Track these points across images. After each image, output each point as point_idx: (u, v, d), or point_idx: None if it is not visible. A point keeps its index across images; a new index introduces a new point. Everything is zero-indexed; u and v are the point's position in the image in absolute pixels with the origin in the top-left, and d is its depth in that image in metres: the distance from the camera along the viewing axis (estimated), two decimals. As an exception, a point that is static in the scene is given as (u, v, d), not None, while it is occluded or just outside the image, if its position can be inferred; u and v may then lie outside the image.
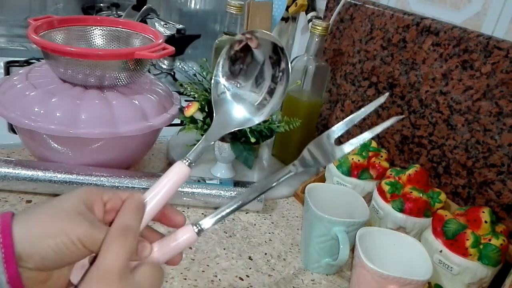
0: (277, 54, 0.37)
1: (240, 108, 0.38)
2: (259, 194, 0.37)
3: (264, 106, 0.38)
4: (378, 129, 0.38)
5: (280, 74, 0.37)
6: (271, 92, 0.38)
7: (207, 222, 0.35)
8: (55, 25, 0.66)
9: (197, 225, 0.35)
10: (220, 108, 0.39)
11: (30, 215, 0.31)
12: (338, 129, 0.39)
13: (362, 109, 0.39)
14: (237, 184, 0.66)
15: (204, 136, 0.37)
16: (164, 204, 0.35)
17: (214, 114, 0.40)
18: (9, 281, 0.28)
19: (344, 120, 0.39)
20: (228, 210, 0.35)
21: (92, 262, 0.32)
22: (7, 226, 0.29)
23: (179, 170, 0.35)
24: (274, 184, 0.37)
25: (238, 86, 0.39)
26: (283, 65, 0.37)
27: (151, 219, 0.35)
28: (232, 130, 0.39)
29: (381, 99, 0.39)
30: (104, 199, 0.34)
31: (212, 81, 0.39)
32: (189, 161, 0.36)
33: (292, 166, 0.38)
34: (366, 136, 0.38)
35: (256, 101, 0.38)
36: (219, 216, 0.35)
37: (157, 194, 0.35)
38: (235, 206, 0.36)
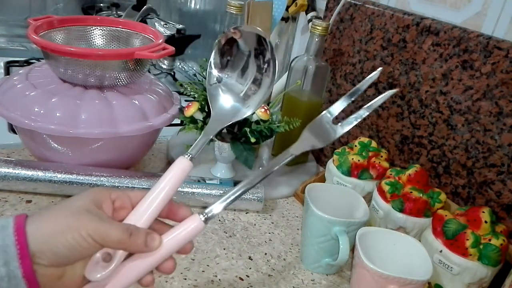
0: (262, 45, 0.38)
1: (229, 98, 0.39)
2: (262, 179, 0.38)
3: (250, 97, 0.39)
4: (373, 105, 0.39)
5: (266, 65, 0.38)
6: (257, 83, 0.39)
7: (215, 208, 0.36)
8: (55, 25, 0.66)
9: (204, 214, 0.36)
10: (214, 101, 0.40)
11: (42, 216, 0.33)
12: (334, 109, 0.40)
13: (357, 86, 0.40)
14: (237, 184, 0.65)
15: (203, 131, 0.38)
16: (170, 199, 0.37)
17: (211, 109, 0.41)
18: (24, 275, 0.30)
19: (340, 99, 0.39)
20: (232, 197, 0.37)
21: (105, 258, 0.34)
22: (21, 226, 0.31)
23: (181, 165, 0.37)
24: (276, 168, 0.38)
25: (227, 76, 0.39)
26: (268, 55, 0.38)
27: (159, 215, 0.36)
28: (229, 124, 0.40)
29: (375, 75, 0.40)
30: (112, 197, 0.36)
31: (206, 73, 0.40)
32: (190, 155, 0.37)
33: (293, 149, 0.39)
34: (362, 112, 0.39)
35: (242, 91, 0.39)
36: (225, 203, 0.37)
37: (163, 188, 0.36)
38: (238, 192, 0.37)
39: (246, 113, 0.40)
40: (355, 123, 0.39)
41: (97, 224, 0.32)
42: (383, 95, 0.39)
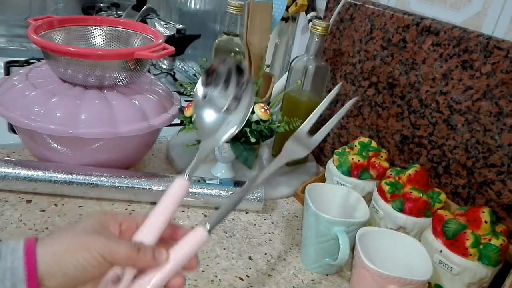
0: (240, 70, 0.41)
1: (212, 112, 0.41)
2: (248, 189, 0.40)
3: (231, 113, 0.41)
4: (340, 114, 0.44)
5: (244, 84, 0.41)
6: (238, 100, 0.41)
7: (213, 221, 0.37)
8: (55, 25, 0.66)
9: (206, 225, 0.37)
10: (201, 122, 0.41)
11: (51, 238, 0.33)
12: (307, 124, 0.45)
13: (322, 102, 0.45)
14: (237, 184, 0.66)
15: (197, 154, 0.40)
16: (171, 220, 0.37)
17: (198, 132, 0.42)
18: None
19: (310, 116, 0.44)
20: (228, 209, 0.38)
21: (114, 280, 0.34)
22: (31, 248, 0.32)
23: (180, 184, 0.38)
24: (260, 180, 0.40)
25: (211, 92, 0.42)
26: (245, 77, 0.41)
27: (162, 237, 0.37)
28: (220, 144, 0.41)
29: (335, 90, 0.46)
30: (119, 220, 0.37)
31: (193, 93, 0.42)
32: (187, 174, 0.39)
33: (276, 161, 0.42)
34: (332, 123, 0.44)
35: (224, 106, 0.42)
36: (224, 214, 0.38)
37: (165, 207, 0.37)
38: (233, 205, 0.38)
39: (231, 130, 0.41)
40: (326, 132, 0.44)
41: (105, 242, 0.33)
42: (347, 104, 0.45)
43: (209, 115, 0.41)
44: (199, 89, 0.41)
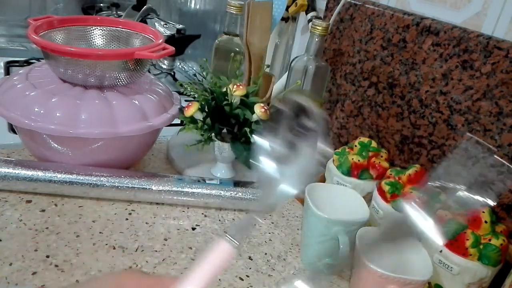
0: (306, 113, 0.35)
1: (274, 164, 0.35)
2: None
3: (288, 165, 0.35)
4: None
5: (307, 133, 0.35)
6: (294, 149, 0.35)
7: None
8: (55, 25, 0.66)
9: None
10: (262, 174, 0.35)
11: None
12: None
13: None
14: (237, 184, 0.66)
15: (250, 215, 0.34)
16: None
17: (260, 184, 0.36)
18: None
19: None
20: None
21: None
22: None
23: (223, 250, 0.32)
24: None
25: (274, 146, 0.35)
26: (310, 124, 0.34)
27: None
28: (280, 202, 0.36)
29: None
30: (142, 284, 0.30)
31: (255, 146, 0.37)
32: (234, 240, 0.32)
33: None
34: None
35: (282, 157, 0.35)
36: None
37: (203, 277, 0.31)
38: None
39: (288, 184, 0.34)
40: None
41: None
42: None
43: (270, 166, 0.35)
44: (259, 139, 0.35)
